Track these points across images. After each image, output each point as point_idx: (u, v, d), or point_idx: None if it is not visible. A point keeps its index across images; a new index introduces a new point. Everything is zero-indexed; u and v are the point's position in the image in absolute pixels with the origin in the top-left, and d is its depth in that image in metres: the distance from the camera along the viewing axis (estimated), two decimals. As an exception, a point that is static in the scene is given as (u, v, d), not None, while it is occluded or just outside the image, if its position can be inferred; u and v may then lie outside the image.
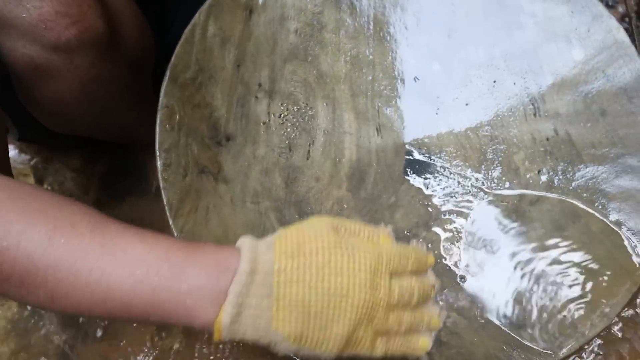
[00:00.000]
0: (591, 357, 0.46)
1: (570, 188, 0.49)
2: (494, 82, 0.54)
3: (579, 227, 0.48)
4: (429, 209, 0.52)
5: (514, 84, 0.54)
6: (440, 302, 0.46)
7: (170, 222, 0.45)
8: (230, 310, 0.34)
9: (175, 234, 0.45)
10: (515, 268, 0.48)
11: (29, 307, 0.61)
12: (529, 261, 0.48)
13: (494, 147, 0.53)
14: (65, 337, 0.59)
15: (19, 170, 0.71)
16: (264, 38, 0.54)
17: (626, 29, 0.53)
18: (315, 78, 0.55)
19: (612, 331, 0.47)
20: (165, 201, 0.45)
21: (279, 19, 0.55)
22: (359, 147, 0.54)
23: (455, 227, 0.51)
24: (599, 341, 0.46)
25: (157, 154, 0.46)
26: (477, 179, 0.52)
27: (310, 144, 0.54)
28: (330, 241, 0.36)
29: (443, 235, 0.51)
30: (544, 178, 0.51)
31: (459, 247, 0.50)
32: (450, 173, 0.53)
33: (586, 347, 0.46)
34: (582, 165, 0.50)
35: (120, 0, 0.51)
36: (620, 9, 0.68)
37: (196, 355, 0.56)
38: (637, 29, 0.63)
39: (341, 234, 0.37)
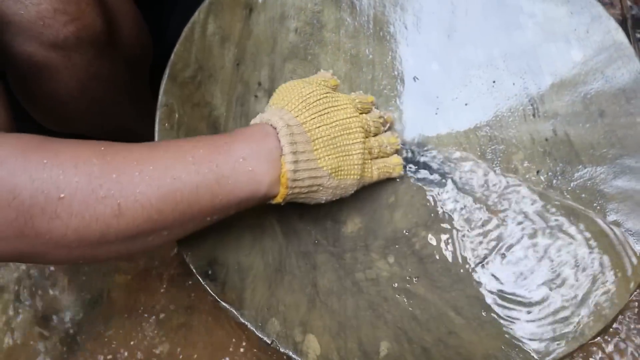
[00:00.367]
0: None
1: (569, 188, 0.50)
2: (494, 82, 0.54)
3: (576, 227, 0.48)
4: (429, 209, 0.52)
5: (513, 84, 0.54)
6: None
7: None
8: (290, 158, 0.41)
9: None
10: (510, 263, 0.48)
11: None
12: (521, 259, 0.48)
13: (493, 147, 0.53)
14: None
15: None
16: (263, 37, 0.54)
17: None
18: (315, 77, 0.55)
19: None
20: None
21: (279, 17, 0.55)
22: (358, 146, 0.54)
23: (455, 228, 0.51)
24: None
25: (157, 152, 0.46)
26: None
27: (309, 143, 0.54)
28: (319, 91, 0.46)
29: (443, 236, 0.51)
30: (542, 178, 0.51)
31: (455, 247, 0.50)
32: (451, 173, 0.53)
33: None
34: (580, 166, 0.50)
35: (118, -2, 0.51)
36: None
37: None
38: (632, 27, 0.63)
39: (316, 84, 0.48)
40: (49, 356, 0.58)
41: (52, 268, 0.62)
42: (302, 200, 0.45)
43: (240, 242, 0.48)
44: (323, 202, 0.46)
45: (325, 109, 0.45)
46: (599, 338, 0.47)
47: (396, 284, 0.48)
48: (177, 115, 0.49)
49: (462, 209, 0.51)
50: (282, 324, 0.44)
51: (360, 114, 0.49)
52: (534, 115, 0.53)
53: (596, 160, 0.50)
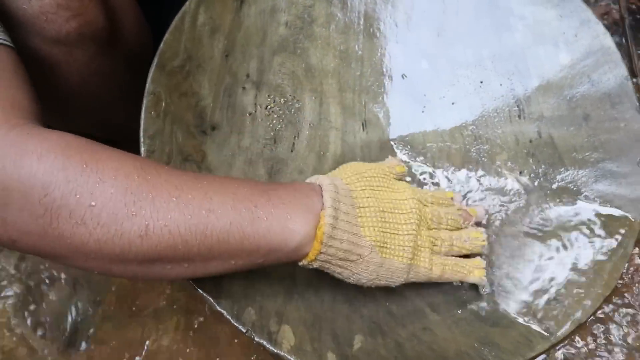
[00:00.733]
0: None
1: (551, 191, 0.50)
2: (481, 82, 0.55)
3: (553, 229, 0.48)
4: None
5: (501, 85, 0.54)
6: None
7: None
8: (330, 212, 0.38)
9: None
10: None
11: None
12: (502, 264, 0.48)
13: (477, 146, 0.54)
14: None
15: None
16: (254, 29, 0.54)
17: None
18: (304, 71, 0.55)
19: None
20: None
21: (270, 10, 0.55)
22: (344, 141, 0.55)
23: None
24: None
25: (142, 140, 0.47)
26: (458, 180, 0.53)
27: (295, 137, 0.54)
28: (378, 171, 0.44)
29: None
30: (525, 179, 0.51)
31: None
32: (434, 171, 0.53)
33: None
34: (562, 169, 0.50)
35: (120, -4, 0.52)
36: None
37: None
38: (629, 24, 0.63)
39: (373, 167, 0.45)
40: (48, 357, 0.58)
41: (52, 268, 0.62)
42: (338, 271, 0.41)
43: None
44: (364, 283, 0.42)
45: (380, 186, 0.43)
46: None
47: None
48: (163, 104, 0.49)
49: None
50: (258, 314, 0.44)
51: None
52: (519, 116, 0.53)
53: (578, 163, 0.50)
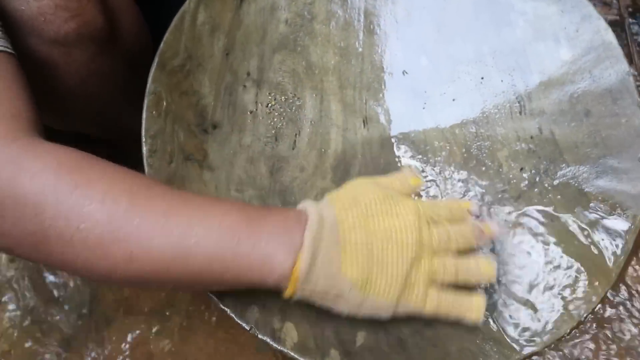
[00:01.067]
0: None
1: (552, 187, 0.50)
2: (482, 78, 0.54)
3: (553, 227, 0.48)
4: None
5: (502, 81, 0.54)
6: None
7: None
8: (307, 254, 0.37)
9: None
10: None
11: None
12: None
13: (478, 143, 0.54)
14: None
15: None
16: (253, 27, 0.54)
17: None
18: (304, 69, 0.55)
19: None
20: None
21: (270, 8, 0.55)
22: (345, 138, 0.55)
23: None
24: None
25: (143, 140, 0.47)
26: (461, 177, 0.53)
27: (296, 134, 0.54)
28: (379, 194, 0.41)
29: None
30: (526, 176, 0.51)
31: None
32: (435, 168, 0.54)
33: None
34: (564, 165, 0.50)
35: (119, -4, 0.52)
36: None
37: None
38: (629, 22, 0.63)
39: (383, 187, 0.43)
40: (47, 357, 0.59)
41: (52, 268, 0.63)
42: (319, 304, 0.41)
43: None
44: (345, 314, 0.41)
45: (376, 213, 0.39)
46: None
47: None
48: (164, 103, 0.49)
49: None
50: (262, 311, 0.44)
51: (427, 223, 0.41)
52: (520, 112, 0.53)
53: (579, 159, 0.50)
